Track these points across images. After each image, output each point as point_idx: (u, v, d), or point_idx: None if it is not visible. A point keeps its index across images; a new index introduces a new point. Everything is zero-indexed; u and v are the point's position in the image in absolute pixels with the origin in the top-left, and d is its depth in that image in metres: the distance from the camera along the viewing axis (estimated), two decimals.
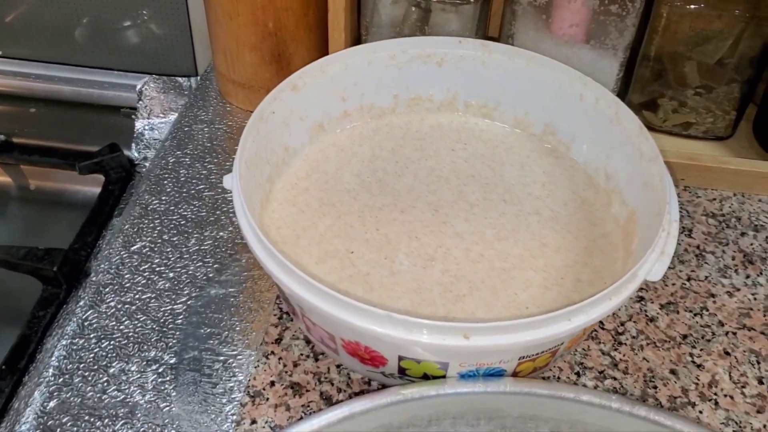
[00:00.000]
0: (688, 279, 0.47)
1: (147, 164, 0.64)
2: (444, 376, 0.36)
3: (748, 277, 0.47)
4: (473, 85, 0.49)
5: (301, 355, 0.42)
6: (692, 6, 0.49)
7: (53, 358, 0.42)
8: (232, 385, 0.41)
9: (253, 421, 0.39)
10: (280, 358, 0.42)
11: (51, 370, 0.41)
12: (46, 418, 0.39)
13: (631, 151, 0.43)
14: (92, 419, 0.39)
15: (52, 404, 0.39)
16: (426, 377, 0.36)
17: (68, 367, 0.41)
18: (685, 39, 0.51)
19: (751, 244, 0.49)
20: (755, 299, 0.46)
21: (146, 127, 0.65)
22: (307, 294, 0.34)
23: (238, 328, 0.43)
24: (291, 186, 0.45)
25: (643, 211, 0.41)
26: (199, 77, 0.67)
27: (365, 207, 0.44)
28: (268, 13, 0.52)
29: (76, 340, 0.43)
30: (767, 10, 0.49)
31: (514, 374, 0.37)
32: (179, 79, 0.67)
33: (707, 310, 0.45)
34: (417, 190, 0.45)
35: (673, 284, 0.46)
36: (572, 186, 0.46)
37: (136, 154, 0.65)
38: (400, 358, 0.35)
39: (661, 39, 0.51)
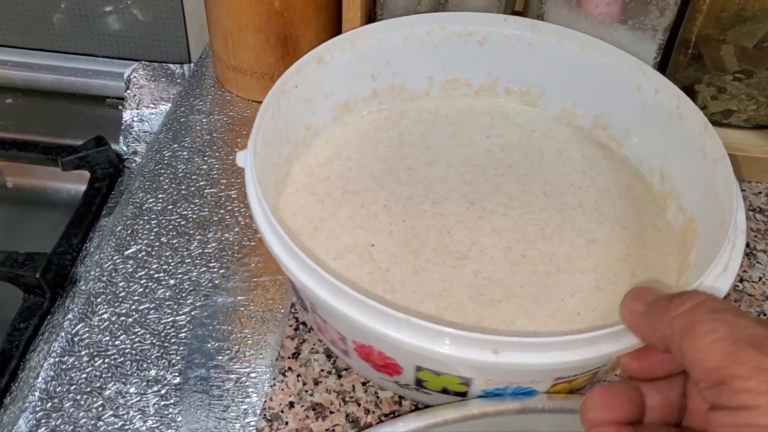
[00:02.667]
0: (741, 281, 0.43)
1: (138, 159, 0.58)
2: (465, 393, 0.32)
3: None
4: (517, 70, 0.44)
5: (322, 371, 0.37)
6: None
7: (39, 380, 0.37)
8: (245, 407, 0.36)
9: None
10: (298, 375, 0.37)
11: (37, 393, 0.36)
12: None
13: (692, 151, 0.38)
14: None
15: None
16: (446, 391, 0.32)
17: (57, 390, 0.36)
18: (720, 21, 0.47)
19: None
20: None
21: (135, 119, 0.60)
22: (317, 287, 0.29)
23: (249, 342, 0.38)
24: (311, 171, 0.41)
25: (704, 219, 0.36)
26: (193, 64, 0.62)
27: (392, 195, 0.40)
28: None
29: (65, 358, 0.38)
30: None
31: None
32: (171, 66, 0.62)
33: (765, 315, 0.41)
34: (451, 180, 0.41)
35: None
36: (618, 184, 0.42)
37: (124, 148, 0.60)
38: (418, 369, 0.31)
39: (704, 18, 0.47)
